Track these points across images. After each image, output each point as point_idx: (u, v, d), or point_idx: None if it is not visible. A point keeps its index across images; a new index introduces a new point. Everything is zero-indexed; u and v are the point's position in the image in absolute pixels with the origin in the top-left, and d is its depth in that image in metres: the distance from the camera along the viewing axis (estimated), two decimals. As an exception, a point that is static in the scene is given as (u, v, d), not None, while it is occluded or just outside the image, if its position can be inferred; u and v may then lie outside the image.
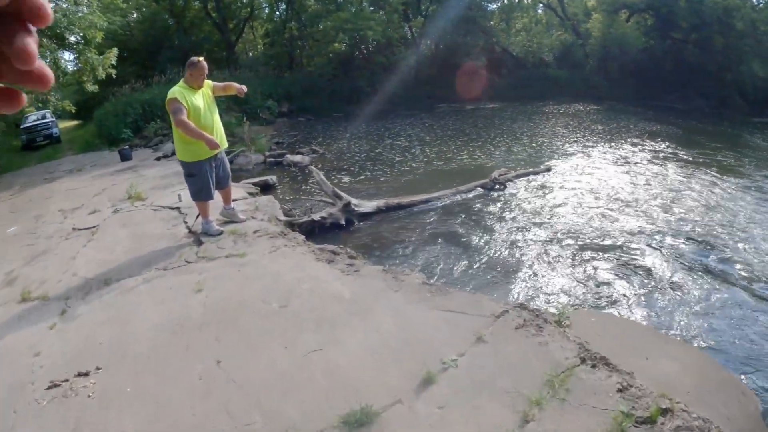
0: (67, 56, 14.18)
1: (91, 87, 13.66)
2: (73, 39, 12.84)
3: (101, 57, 13.30)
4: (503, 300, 4.38)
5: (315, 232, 6.95)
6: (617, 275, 5.60)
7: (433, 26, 28.21)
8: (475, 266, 5.92)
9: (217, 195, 6.14)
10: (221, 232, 5.96)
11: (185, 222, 6.72)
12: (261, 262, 4.97)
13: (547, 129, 17.09)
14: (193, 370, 3.36)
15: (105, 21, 13.83)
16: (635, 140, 14.43)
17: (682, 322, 4.54)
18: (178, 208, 7.40)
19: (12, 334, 4.26)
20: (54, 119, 22.58)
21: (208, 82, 5.75)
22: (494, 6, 32.52)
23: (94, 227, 7.19)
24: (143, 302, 4.47)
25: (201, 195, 5.85)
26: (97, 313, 4.42)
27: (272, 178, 10.40)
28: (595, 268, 5.77)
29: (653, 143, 14.12)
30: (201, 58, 5.49)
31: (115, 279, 5.11)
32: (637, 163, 11.55)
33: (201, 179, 5.73)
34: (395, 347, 3.40)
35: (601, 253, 6.21)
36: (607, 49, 28.13)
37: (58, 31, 12.20)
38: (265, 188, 9.79)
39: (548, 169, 10.52)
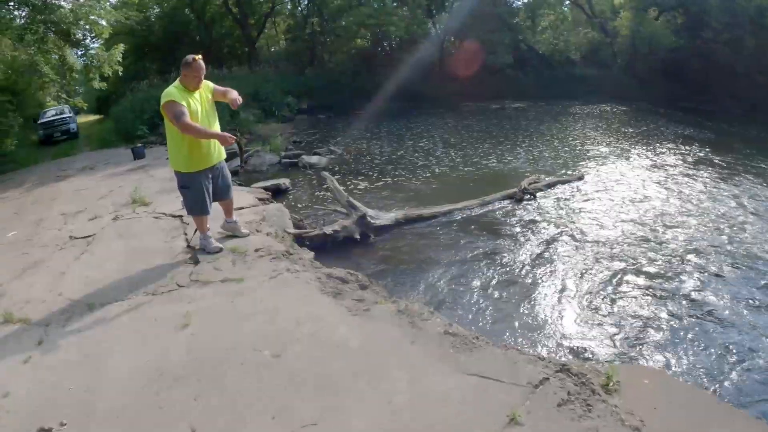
0: (78, 53, 13.77)
1: (97, 84, 13.25)
2: (80, 35, 12.42)
3: (107, 53, 12.86)
4: (539, 355, 3.72)
5: (327, 246, 6.40)
6: (662, 311, 4.97)
7: (458, 22, 27.45)
8: (501, 297, 5.34)
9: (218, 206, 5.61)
10: (220, 249, 5.41)
11: (185, 234, 6.19)
12: (258, 293, 4.39)
13: (576, 131, 16.29)
14: (163, 441, 2.83)
15: (113, 16, 13.40)
16: (669, 145, 13.58)
17: (744, 384, 3.88)
18: (180, 217, 6.89)
19: None
20: (72, 114, 22.36)
21: (207, 84, 5.18)
22: (520, 2, 31.71)
23: (90, 236, 6.73)
24: (123, 338, 3.94)
25: (195, 210, 5.31)
26: (73, 349, 3.91)
27: (285, 182, 9.89)
28: (638, 302, 5.14)
29: (687, 148, 13.25)
30: (198, 57, 4.90)
31: (99, 303, 4.60)
32: (673, 170, 10.75)
33: (195, 193, 5.18)
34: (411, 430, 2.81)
35: (642, 282, 5.57)
36: (635, 48, 27.01)
37: (64, 27, 11.80)
38: (277, 193, 9.28)
39: (580, 177, 9.80)
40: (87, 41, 13.79)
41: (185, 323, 3.98)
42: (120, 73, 14.46)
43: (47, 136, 20.90)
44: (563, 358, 4.11)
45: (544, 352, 4.23)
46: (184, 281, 4.79)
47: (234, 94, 5.13)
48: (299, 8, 30.60)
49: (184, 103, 4.78)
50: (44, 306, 4.77)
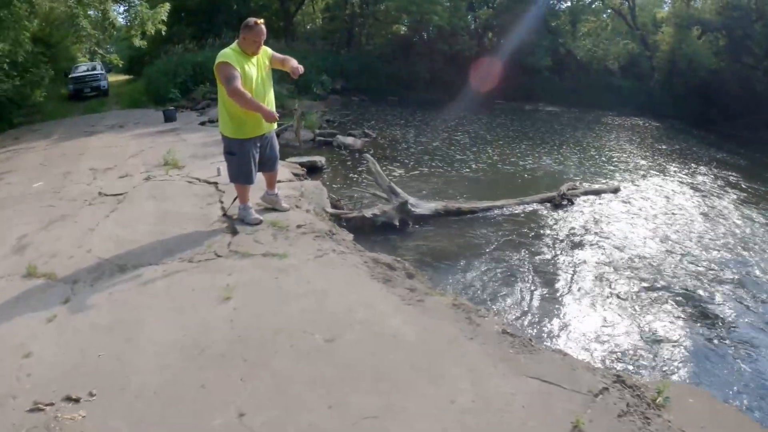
0: (120, 9, 13.54)
1: (138, 42, 13.03)
2: (125, -10, 12.21)
3: (152, 12, 12.60)
4: (593, 363, 3.43)
5: (364, 230, 6.10)
6: (698, 331, 4.70)
7: (499, 19, 26.92)
8: (540, 301, 5.05)
9: (259, 176, 5.31)
10: (260, 222, 5.11)
11: (221, 202, 5.91)
12: (304, 272, 4.10)
13: (611, 142, 15.79)
14: (208, 424, 2.54)
15: None
16: (702, 167, 12.96)
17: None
18: (215, 184, 6.63)
19: (5, 323, 3.57)
20: (104, 72, 22.28)
21: (266, 50, 4.86)
22: (564, 5, 31.00)
23: (121, 194, 6.50)
24: (159, 306, 3.67)
25: (240, 178, 5.01)
26: (104, 311, 3.65)
27: (321, 160, 9.60)
28: (674, 320, 4.85)
29: (720, 171, 12.67)
30: (260, 21, 4.60)
31: (132, 265, 4.34)
32: (706, 192, 10.25)
33: (241, 160, 4.88)
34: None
35: (678, 300, 5.26)
36: (674, 65, 26.30)
37: (109, -19, 11.59)
38: (312, 170, 8.99)
39: (617, 189, 9.40)
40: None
41: (226, 296, 3.70)
42: (158, 34, 14.21)
43: (77, 91, 20.83)
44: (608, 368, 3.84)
45: (584, 358, 3.95)
46: (223, 251, 4.51)
47: (294, 63, 4.83)
48: (340, -13, 30.14)
49: (238, 66, 4.49)
50: (71, 262, 4.54)
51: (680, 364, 4.15)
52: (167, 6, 13.02)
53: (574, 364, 3.12)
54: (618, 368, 3.88)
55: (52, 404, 2.73)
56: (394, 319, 3.43)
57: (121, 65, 17.68)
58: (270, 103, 4.89)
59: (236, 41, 4.66)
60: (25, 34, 10.99)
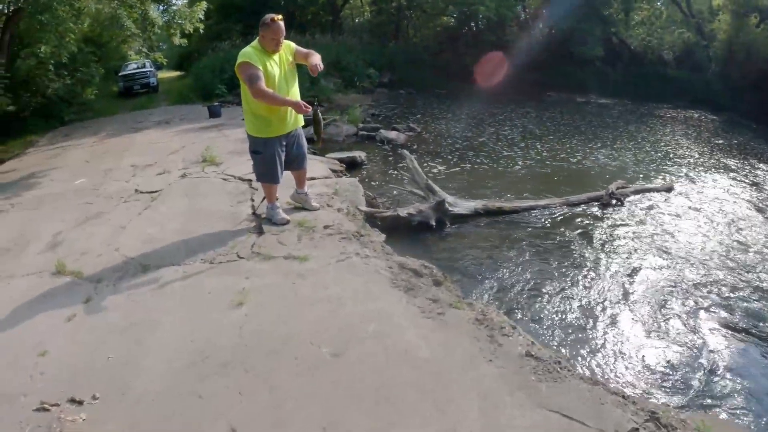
0: (160, 9, 13.72)
1: (178, 40, 13.18)
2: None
3: (189, 10, 12.72)
4: (623, 393, 3.07)
5: (399, 229, 5.92)
6: (751, 358, 4.24)
7: (549, 9, 26.20)
8: (579, 313, 4.73)
9: (290, 175, 5.20)
10: (287, 222, 5.01)
11: (252, 200, 5.85)
12: (322, 277, 3.96)
13: (666, 137, 15.02)
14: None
15: None
16: (762, 164, 11.98)
17: None
18: (249, 181, 6.57)
19: (27, 319, 3.67)
20: (153, 69, 22.80)
21: (289, 45, 4.72)
22: (616, -8, 29.84)
23: (156, 192, 6.54)
24: (173, 309, 3.63)
25: (265, 177, 4.92)
26: (120, 312, 3.66)
27: (361, 155, 9.47)
28: (725, 344, 4.38)
29: None
30: (278, 17, 4.43)
31: (155, 266, 4.33)
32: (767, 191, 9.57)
33: (266, 159, 4.78)
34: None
35: (732, 321, 4.75)
36: (732, 55, 24.92)
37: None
38: (351, 166, 8.87)
39: (670, 188, 8.84)
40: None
41: (240, 301, 3.61)
42: (202, 32, 14.37)
43: (127, 88, 21.46)
44: (646, 397, 3.57)
45: (621, 385, 3.69)
46: (245, 252, 4.43)
47: (316, 59, 4.61)
48: (387, -19, 29.97)
49: (260, 65, 4.37)
50: (99, 260, 4.59)
51: (727, 396, 3.76)
52: (203, 4, 13.11)
53: (602, 396, 2.81)
54: (654, 398, 3.58)
55: (57, 405, 2.77)
56: (409, 333, 3.24)
57: (165, 63, 18.02)
58: (294, 97, 4.75)
59: (257, 39, 4.53)
60: (70, 35, 11.23)
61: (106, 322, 3.54)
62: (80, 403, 2.76)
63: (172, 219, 5.47)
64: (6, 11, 12.10)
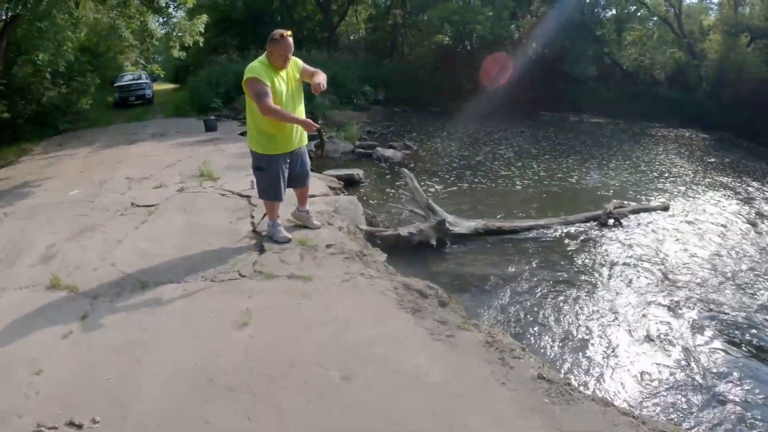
0: (160, 21, 13.67)
1: (176, 53, 13.13)
2: (163, 2, 12.27)
3: (189, 23, 12.68)
4: (633, 413, 3.02)
5: (399, 248, 5.86)
6: (755, 375, 4.21)
7: (543, 28, 26.38)
8: (584, 334, 4.69)
9: (291, 192, 5.13)
10: (289, 240, 4.92)
11: (252, 217, 5.76)
12: (327, 297, 3.88)
13: (660, 156, 15.11)
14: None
15: None
16: (754, 182, 12.08)
17: None
18: (248, 197, 6.49)
19: (21, 336, 3.54)
20: (149, 81, 22.78)
21: (296, 62, 4.64)
22: (609, 13, 30.14)
23: (153, 206, 6.43)
24: (174, 328, 3.52)
25: (268, 194, 4.83)
26: (119, 331, 3.54)
27: (358, 173, 9.44)
28: (729, 363, 4.37)
29: None
30: (287, 33, 4.33)
31: (153, 282, 4.22)
32: (760, 209, 9.58)
33: (270, 176, 4.70)
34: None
35: (738, 338, 4.76)
36: (723, 74, 25.18)
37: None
38: (349, 183, 8.81)
39: (666, 207, 8.86)
40: (170, 9, 13.65)
41: (243, 322, 3.51)
42: (201, 45, 14.33)
43: (122, 99, 21.43)
44: (654, 417, 3.51)
45: (629, 405, 3.65)
46: (247, 271, 4.34)
47: (320, 78, 4.53)
48: (383, -1, 30.23)
49: (268, 81, 4.31)
50: (95, 275, 4.47)
51: (733, 414, 3.73)
52: (204, 17, 13.07)
53: (615, 418, 2.77)
54: (665, 419, 3.53)
55: (55, 428, 2.65)
56: (418, 356, 3.16)
57: (162, 75, 17.97)
58: (300, 115, 4.70)
59: (264, 54, 4.47)
60: (68, 44, 11.17)
61: (104, 340, 3.42)
62: (80, 427, 2.65)
63: (169, 234, 5.36)
64: (4, 18, 12.01)
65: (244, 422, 2.63)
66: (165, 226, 5.63)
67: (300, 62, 4.68)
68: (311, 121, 4.40)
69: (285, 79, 4.50)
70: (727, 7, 26.41)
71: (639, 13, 30.59)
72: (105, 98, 21.78)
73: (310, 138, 5.09)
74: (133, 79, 22.17)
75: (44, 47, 10.13)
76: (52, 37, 10.09)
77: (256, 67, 4.35)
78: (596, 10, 28.32)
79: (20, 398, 2.88)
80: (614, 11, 29.41)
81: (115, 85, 21.95)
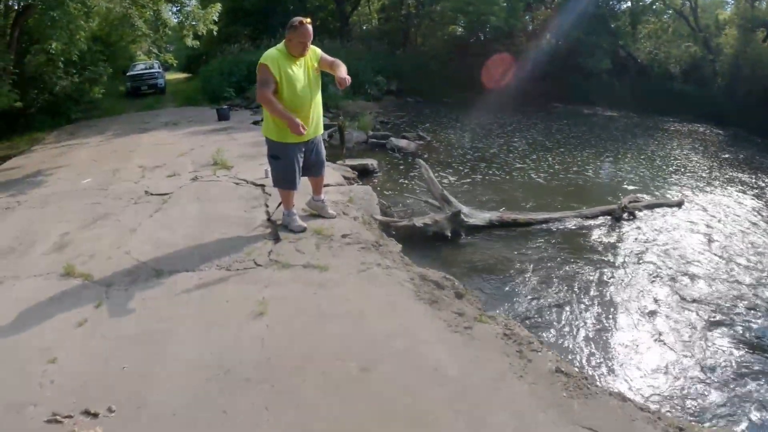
0: (173, 9, 13.62)
1: (190, 41, 13.10)
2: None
3: (203, 12, 12.63)
4: (650, 409, 2.97)
5: (413, 239, 5.81)
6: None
7: (557, 20, 26.13)
8: (599, 327, 4.67)
9: (306, 181, 5.07)
10: (304, 229, 4.87)
11: (266, 206, 5.71)
12: (344, 288, 3.83)
13: (675, 151, 14.92)
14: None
15: None
16: None
17: None
18: (262, 186, 6.44)
19: (35, 324, 3.51)
20: (161, 70, 22.78)
21: (315, 51, 4.55)
22: (624, 6, 29.81)
23: (166, 194, 6.41)
24: (190, 317, 3.49)
25: (283, 183, 4.78)
26: (134, 319, 3.51)
27: (373, 163, 9.37)
28: (748, 357, 4.34)
29: None
30: (306, 20, 4.26)
31: (168, 271, 4.18)
32: None
33: (285, 164, 4.64)
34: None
35: (754, 333, 4.73)
36: (738, 69, 24.77)
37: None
38: (363, 173, 8.75)
39: (680, 203, 8.75)
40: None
41: (260, 312, 3.47)
42: (214, 33, 14.28)
43: (134, 89, 21.47)
44: (671, 412, 3.50)
45: (645, 400, 3.63)
46: (263, 260, 4.29)
47: (342, 71, 4.40)
48: (397, -12, 29.96)
49: (282, 69, 4.27)
50: (109, 263, 4.44)
51: (750, 408, 3.70)
52: (218, 6, 13.01)
53: (633, 413, 2.73)
54: (682, 414, 3.52)
55: (70, 417, 2.63)
56: (437, 348, 3.12)
57: (175, 65, 17.99)
58: (317, 106, 4.65)
59: (283, 41, 4.40)
60: (80, 33, 11.14)
61: (119, 328, 3.39)
62: (95, 415, 2.62)
63: (184, 223, 5.33)
64: (16, 7, 12.02)
65: (263, 413, 2.59)
66: (179, 215, 5.60)
67: (319, 51, 4.60)
68: (300, 126, 4.22)
69: (302, 68, 4.43)
70: (744, 1, 25.94)
71: (654, 6, 30.24)
72: (117, 87, 21.85)
73: (326, 127, 5.01)
74: (146, 69, 22.19)
75: (57, 36, 10.09)
76: (65, 26, 10.04)
77: (271, 54, 4.30)
78: (611, 2, 27.95)
79: (35, 387, 2.85)
80: (629, 4, 29.13)
81: (128, 74, 22.02)
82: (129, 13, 11.74)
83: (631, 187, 9.75)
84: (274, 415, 2.58)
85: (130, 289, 3.93)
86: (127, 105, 18.64)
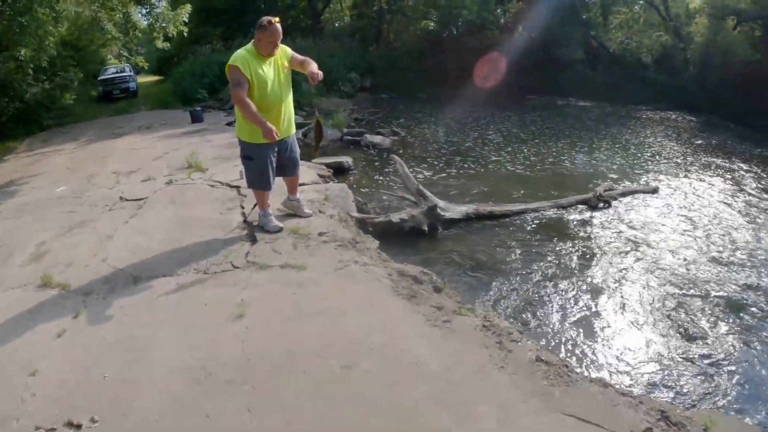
0: (143, 12, 13.50)
1: (161, 44, 12.99)
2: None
3: (173, 13, 12.52)
4: (632, 393, 3.08)
5: (391, 235, 5.85)
6: (749, 351, 4.31)
7: (529, 12, 26.30)
8: (578, 315, 4.75)
9: (281, 181, 5.08)
10: (280, 229, 4.88)
11: (242, 207, 5.71)
12: (322, 286, 3.86)
13: (649, 139, 15.15)
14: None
15: None
16: (741, 163, 12.17)
17: None
18: (237, 188, 6.42)
19: (14, 336, 3.48)
20: (132, 74, 22.58)
21: (285, 50, 4.56)
22: (594, -4, 30.08)
23: (142, 199, 6.36)
24: (169, 322, 3.48)
25: (257, 184, 4.77)
26: (113, 327, 3.50)
27: (347, 161, 9.40)
28: (724, 341, 4.45)
29: (760, 167, 11.86)
30: (275, 19, 4.25)
31: (146, 277, 4.17)
32: (748, 190, 9.64)
33: (259, 166, 4.64)
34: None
35: (730, 315, 4.86)
36: (709, 57, 25.22)
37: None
38: (339, 171, 8.77)
39: (655, 190, 8.93)
40: (153, 0, 13.47)
41: (239, 313, 3.48)
42: (185, 35, 14.16)
43: (106, 93, 21.26)
44: (652, 396, 3.57)
45: (625, 385, 3.73)
46: (240, 262, 4.30)
47: (313, 67, 4.44)
48: (367, -16, 29.96)
49: (252, 69, 4.25)
50: (86, 271, 4.40)
51: (730, 390, 3.80)
52: (188, 7, 12.90)
53: (614, 398, 2.79)
54: (663, 397, 3.60)
55: (53, 429, 2.61)
56: (416, 343, 3.16)
57: (146, 67, 17.82)
58: (288, 106, 4.65)
59: (251, 41, 4.40)
60: (50, 39, 10.98)
61: (99, 337, 3.37)
62: (78, 427, 2.61)
63: (160, 227, 5.30)
64: (-16, 14, 11.82)
65: (245, 415, 2.61)
66: (155, 220, 5.57)
67: (289, 50, 4.61)
68: (273, 131, 4.22)
69: (272, 68, 4.43)
70: (713, -11, 26.37)
71: (627, -5, 30.58)
72: (89, 92, 21.59)
73: (298, 126, 5.02)
74: (117, 72, 21.99)
75: (26, 42, 9.94)
76: (34, 32, 9.89)
77: (241, 54, 4.29)
78: (582, -7, 28.23)
79: (17, 401, 2.82)
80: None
81: (99, 78, 21.79)
82: (98, 16, 11.60)
83: (605, 176, 9.89)
84: (258, 416, 2.60)
85: (108, 297, 3.91)
86: (100, 110, 18.44)
